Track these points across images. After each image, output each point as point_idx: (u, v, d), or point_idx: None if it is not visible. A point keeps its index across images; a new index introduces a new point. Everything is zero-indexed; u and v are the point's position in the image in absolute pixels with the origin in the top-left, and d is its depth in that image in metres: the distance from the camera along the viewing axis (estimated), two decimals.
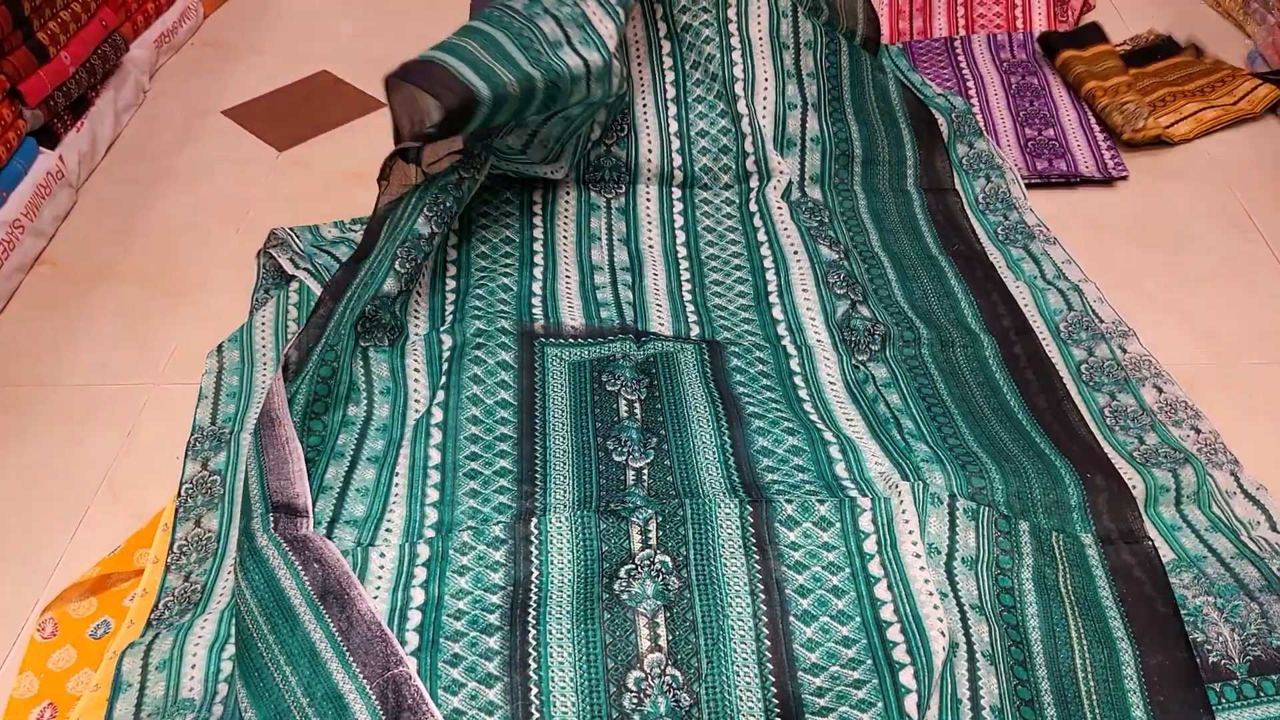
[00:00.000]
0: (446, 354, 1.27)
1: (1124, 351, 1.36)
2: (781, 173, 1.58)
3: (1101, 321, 1.41)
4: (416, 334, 1.31)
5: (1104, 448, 1.21)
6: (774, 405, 1.22)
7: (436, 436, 1.18)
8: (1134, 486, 1.14)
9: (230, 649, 0.98)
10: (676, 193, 1.58)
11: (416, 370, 1.26)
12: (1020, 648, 0.97)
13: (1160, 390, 1.30)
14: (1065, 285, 1.46)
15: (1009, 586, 1.02)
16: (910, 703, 0.89)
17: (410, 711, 0.86)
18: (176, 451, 1.26)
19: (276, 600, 0.94)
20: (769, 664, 0.92)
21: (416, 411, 1.22)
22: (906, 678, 0.91)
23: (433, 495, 1.12)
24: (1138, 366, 1.34)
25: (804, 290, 1.42)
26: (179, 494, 1.20)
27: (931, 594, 0.95)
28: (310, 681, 0.88)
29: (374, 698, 0.86)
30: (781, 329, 1.37)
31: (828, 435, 1.17)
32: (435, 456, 1.16)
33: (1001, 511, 1.08)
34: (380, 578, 1.01)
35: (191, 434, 1.28)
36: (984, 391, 1.29)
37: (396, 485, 1.13)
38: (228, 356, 1.38)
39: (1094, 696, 0.95)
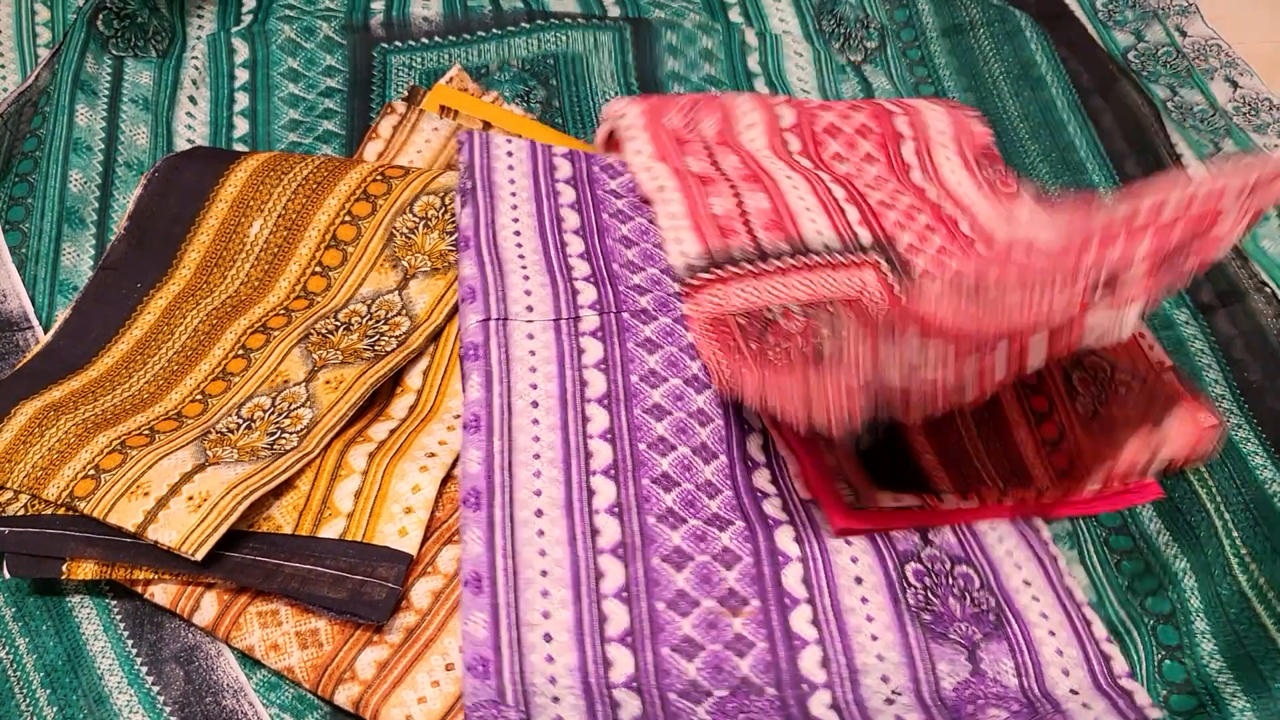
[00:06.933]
0: (241, 68, 0.85)
1: (1183, 35, 1.01)
2: None
3: None
4: (197, 38, 0.88)
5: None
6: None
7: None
8: None
9: None
10: None
11: (195, 85, 0.85)
12: None
13: (1235, 85, 0.97)
14: None
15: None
16: None
17: None
18: None
19: None
20: None
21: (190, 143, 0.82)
22: None
23: None
24: (1203, 53, 1.00)
25: None
26: None
27: None
28: None
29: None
30: (735, 13, 0.97)
31: None
32: None
33: None
34: None
35: None
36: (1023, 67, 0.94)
37: None
38: None
39: None
